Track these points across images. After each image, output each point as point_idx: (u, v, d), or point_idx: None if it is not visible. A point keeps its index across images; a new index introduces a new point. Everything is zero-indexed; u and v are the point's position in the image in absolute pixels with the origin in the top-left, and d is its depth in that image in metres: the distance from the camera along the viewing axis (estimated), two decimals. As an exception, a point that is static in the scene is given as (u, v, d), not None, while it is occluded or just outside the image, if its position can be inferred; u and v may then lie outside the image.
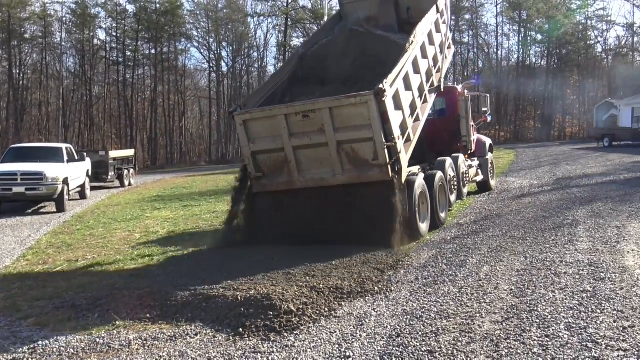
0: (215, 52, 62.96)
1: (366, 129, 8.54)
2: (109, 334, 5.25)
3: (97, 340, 5.11)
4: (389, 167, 8.56)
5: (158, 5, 58.73)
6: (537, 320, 4.89)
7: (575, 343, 4.36)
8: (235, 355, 4.64)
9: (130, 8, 58.75)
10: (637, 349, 4.18)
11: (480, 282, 6.20)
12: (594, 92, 62.71)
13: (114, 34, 58.82)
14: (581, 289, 5.68)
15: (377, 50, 10.85)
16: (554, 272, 6.39)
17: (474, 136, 14.48)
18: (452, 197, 11.68)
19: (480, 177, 14.61)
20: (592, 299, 5.37)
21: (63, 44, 56.41)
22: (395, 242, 8.34)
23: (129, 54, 59.10)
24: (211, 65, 63.79)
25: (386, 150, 8.54)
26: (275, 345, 4.77)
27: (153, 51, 59.78)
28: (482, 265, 6.99)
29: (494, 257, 7.38)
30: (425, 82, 10.89)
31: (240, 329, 5.14)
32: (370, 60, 10.73)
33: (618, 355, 4.09)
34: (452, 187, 11.68)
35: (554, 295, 5.54)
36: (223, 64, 64.40)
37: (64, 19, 55.99)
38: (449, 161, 11.62)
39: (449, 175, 11.41)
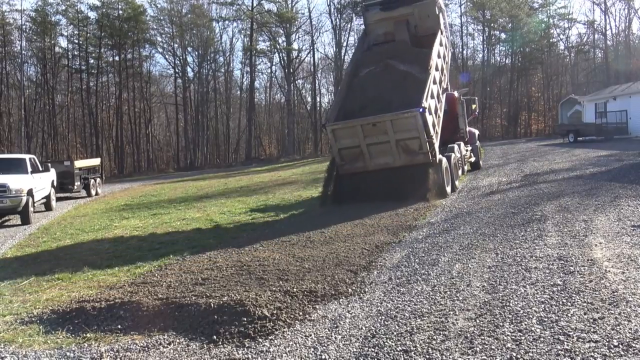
0: (181, 57, 62.53)
1: (414, 131, 13.08)
2: (79, 347, 5.13)
3: (68, 354, 4.98)
4: (430, 153, 13.22)
5: (121, 12, 57.95)
6: (510, 316, 4.93)
7: (548, 336, 4.40)
8: (210, 363, 4.58)
9: (92, 15, 57.89)
10: (607, 340, 4.24)
11: (452, 280, 6.24)
12: (557, 89, 64.09)
13: (76, 41, 57.86)
14: (551, 283, 5.76)
15: (400, 80, 14.79)
16: (524, 267, 6.46)
17: (468, 129, 19.25)
18: (459, 172, 16.48)
19: (473, 158, 20.00)
20: (562, 292, 5.44)
21: (23, 52, 55.24)
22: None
23: (92, 61, 58.24)
24: (176, 70, 63.34)
25: (427, 143, 13.09)
26: (250, 351, 4.72)
27: (117, 58, 59.00)
28: (454, 263, 7.04)
29: (465, 254, 7.43)
30: (440, 88, 15.34)
31: (214, 337, 5.07)
32: (397, 87, 14.54)
33: (589, 347, 4.15)
34: (459, 165, 16.38)
35: (525, 290, 5.60)
36: (189, 69, 63.97)
37: (24, 27, 54.87)
38: (456, 147, 16.34)
39: (457, 156, 16.15)
